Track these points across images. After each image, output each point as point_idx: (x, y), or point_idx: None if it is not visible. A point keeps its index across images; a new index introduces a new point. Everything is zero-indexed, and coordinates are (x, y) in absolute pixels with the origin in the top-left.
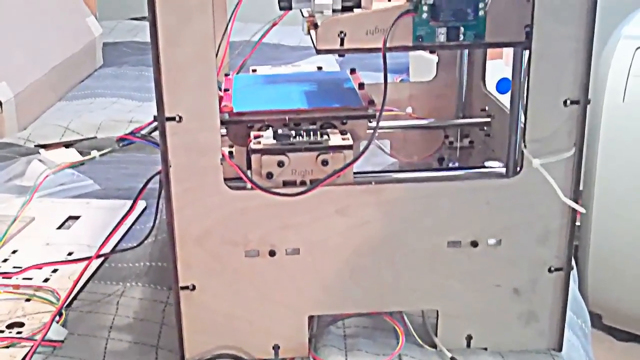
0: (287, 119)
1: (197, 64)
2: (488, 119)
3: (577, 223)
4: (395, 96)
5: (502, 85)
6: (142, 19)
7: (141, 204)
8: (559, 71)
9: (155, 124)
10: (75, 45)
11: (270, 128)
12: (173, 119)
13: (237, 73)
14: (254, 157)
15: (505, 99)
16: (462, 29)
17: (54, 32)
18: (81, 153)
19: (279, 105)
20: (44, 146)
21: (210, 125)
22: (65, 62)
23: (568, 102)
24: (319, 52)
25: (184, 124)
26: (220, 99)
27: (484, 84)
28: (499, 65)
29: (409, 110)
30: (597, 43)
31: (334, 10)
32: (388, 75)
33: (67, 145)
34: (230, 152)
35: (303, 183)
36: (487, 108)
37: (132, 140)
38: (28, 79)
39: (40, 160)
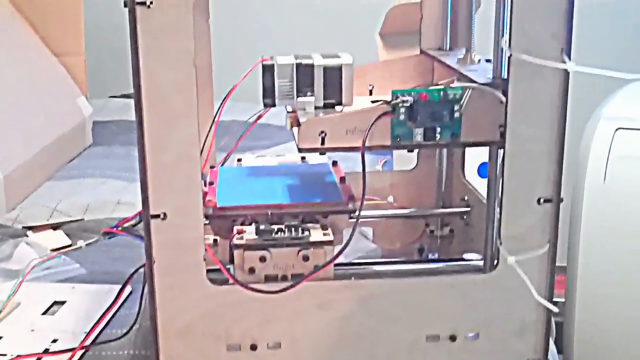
0: (269, 214)
1: (182, 164)
2: (467, 209)
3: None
4: (377, 185)
5: (484, 170)
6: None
7: (127, 289)
8: (532, 171)
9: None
10: (65, 125)
11: (253, 223)
12: (158, 216)
13: (222, 164)
14: (236, 252)
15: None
16: (438, 129)
17: (44, 113)
18: (69, 235)
19: (262, 199)
20: (32, 228)
21: (194, 222)
22: (55, 142)
23: (541, 200)
24: (300, 150)
25: (168, 221)
26: (205, 194)
27: (464, 174)
28: (480, 150)
29: (391, 199)
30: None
31: (316, 107)
32: (373, 157)
33: (55, 227)
34: (215, 240)
35: (285, 277)
36: (466, 197)
37: (118, 234)
38: (17, 160)
39: (27, 244)
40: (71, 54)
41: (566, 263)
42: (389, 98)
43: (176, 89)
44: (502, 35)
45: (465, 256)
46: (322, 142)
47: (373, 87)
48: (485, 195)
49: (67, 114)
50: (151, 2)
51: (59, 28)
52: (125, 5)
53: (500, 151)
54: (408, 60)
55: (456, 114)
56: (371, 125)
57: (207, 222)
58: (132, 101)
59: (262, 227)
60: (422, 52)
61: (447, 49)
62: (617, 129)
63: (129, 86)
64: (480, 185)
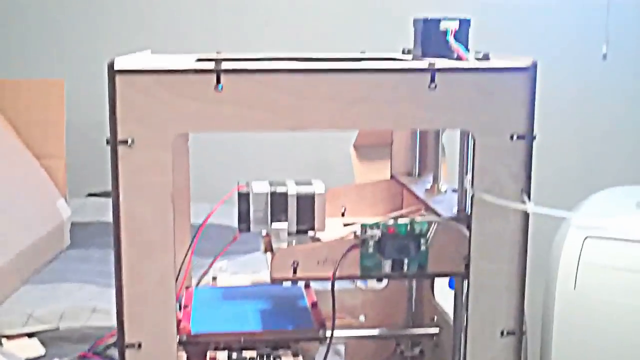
0: (241, 340)
1: (157, 295)
2: (437, 330)
3: None
4: (349, 303)
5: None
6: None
7: None
8: (495, 304)
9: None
10: (44, 228)
11: (226, 350)
12: (133, 345)
13: (197, 285)
14: None
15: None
16: (406, 260)
17: (23, 216)
18: (43, 343)
19: (235, 325)
20: (7, 336)
21: (168, 350)
22: (33, 245)
23: (504, 332)
24: (273, 280)
25: (143, 350)
26: (179, 320)
27: (433, 295)
28: None
29: (362, 318)
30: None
31: (289, 233)
32: None
33: (30, 335)
34: None
35: None
36: (436, 318)
37: (93, 358)
38: None
39: (1, 354)
40: (52, 156)
41: None
42: (360, 220)
43: (154, 222)
44: (466, 173)
45: None
46: (294, 272)
47: (345, 209)
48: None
49: (46, 217)
50: (132, 141)
51: (41, 131)
52: (108, 143)
53: (465, 281)
54: (379, 184)
55: (422, 247)
56: (341, 258)
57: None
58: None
59: (234, 355)
60: (392, 176)
61: (417, 175)
62: (586, 238)
63: (107, 182)
64: (451, 299)
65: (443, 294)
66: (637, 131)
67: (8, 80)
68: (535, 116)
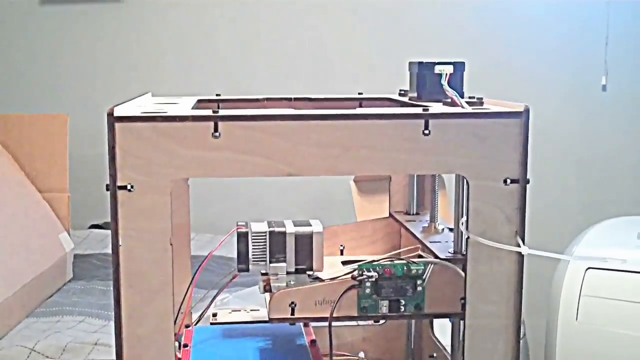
0: None
1: (156, 337)
2: None
3: None
4: (349, 339)
5: None
6: None
7: None
8: (491, 344)
9: None
10: (46, 262)
11: None
12: None
13: (197, 323)
14: None
15: None
16: (402, 301)
17: (26, 250)
18: None
19: None
20: None
21: None
22: (36, 279)
23: None
24: (271, 320)
25: None
26: None
27: (432, 330)
28: None
29: (362, 355)
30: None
31: (288, 272)
32: None
33: None
34: None
35: None
36: (435, 355)
37: None
38: None
39: None
40: (55, 190)
41: None
42: (358, 259)
43: (153, 267)
44: (462, 215)
45: None
46: (292, 312)
47: (344, 247)
48: None
49: (49, 250)
50: (132, 187)
51: (44, 165)
52: (107, 189)
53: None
54: (377, 222)
55: (419, 288)
56: (338, 299)
57: None
58: None
59: None
60: (390, 215)
61: (414, 213)
62: (587, 269)
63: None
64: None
65: (443, 327)
66: (638, 162)
67: (12, 114)
68: (536, 147)
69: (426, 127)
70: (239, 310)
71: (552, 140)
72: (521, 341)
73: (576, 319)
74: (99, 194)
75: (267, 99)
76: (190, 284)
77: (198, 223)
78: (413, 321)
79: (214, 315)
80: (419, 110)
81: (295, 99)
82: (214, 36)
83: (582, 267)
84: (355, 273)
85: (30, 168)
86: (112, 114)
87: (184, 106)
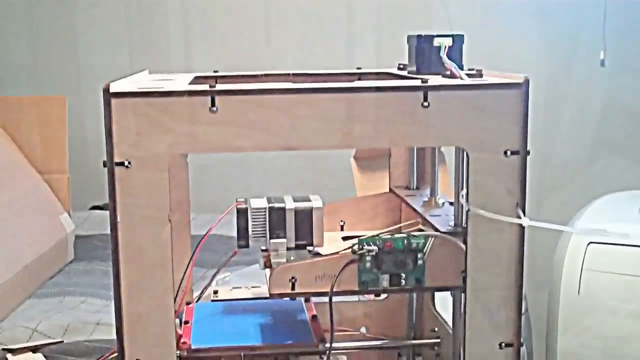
0: (242, 355)
1: (156, 314)
2: (437, 340)
3: None
4: (351, 314)
5: None
6: None
7: None
8: (493, 316)
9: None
10: (47, 243)
11: None
12: None
13: (198, 300)
14: None
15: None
16: (403, 275)
17: (27, 231)
18: (47, 358)
19: (235, 339)
20: (11, 350)
21: None
22: (37, 260)
23: (502, 345)
24: (272, 296)
25: None
26: (179, 336)
27: (434, 305)
28: None
29: (363, 330)
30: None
31: (288, 248)
32: None
33: (34, 349)
34: None
35: None
36: (436, 329)
37: None
38: None
39: None
40: (55, 171)
41: None
42: (359, 234)
43: (151, 242)
44: (461, 188)
45: None
46: (293, 287)
47: (344, 222)
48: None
49: (50, 231)
50: (129, 163)
51: (43, 147)
52: (105, 165)
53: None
54: (377, 198)
55: (419, 262)
56: (339, 273)
57: None
58: None
59: None
60: (390, 190)
61: (414, 188)
62: (589, 243)
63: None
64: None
65: (444, 301)
66: (638, 136)
67: (11, 97)
68: (536, 123)
69: (425, 99)
70: (240, 288)
71: (552, 114)
72: (523, 317)
73: (578, 293)
74: (99, 175)
75: (266, 75)
76: (190, 260)
77: (199, 204)
78: (414, 296)
79: (215, 292)
80: (417, 82)
81: (294, 74)
82: (213, 16)
83: (584, 242)
84: (356, 247)
85: (29, 150)
86: (108, 89)
87: (181, 82)
